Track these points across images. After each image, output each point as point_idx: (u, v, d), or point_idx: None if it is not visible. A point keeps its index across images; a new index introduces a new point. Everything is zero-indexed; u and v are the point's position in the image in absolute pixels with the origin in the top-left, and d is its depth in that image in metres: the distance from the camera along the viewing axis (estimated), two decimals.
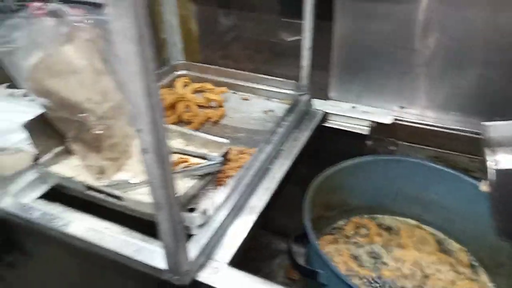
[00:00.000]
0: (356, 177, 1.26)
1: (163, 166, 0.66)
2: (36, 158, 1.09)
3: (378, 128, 1.36)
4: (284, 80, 1.44)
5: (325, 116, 1.38)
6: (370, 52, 1.34)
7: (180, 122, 1.34)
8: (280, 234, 1.76)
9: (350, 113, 1.37)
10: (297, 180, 1.21)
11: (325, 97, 1.44)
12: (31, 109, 1.33)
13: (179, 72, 1.56)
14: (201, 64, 1.56)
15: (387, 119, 1.35)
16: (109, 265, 0.94)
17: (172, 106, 1.37)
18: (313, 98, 1.41)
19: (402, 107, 1.38)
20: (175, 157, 1.15)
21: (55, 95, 1.00)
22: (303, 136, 1.26)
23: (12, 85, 1.59)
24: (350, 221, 1.36)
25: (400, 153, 1.39)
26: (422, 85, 1.33)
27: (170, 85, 1.51)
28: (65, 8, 1.02)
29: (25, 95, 1.49)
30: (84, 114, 1.00)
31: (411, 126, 1.36)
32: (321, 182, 1.16)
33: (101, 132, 1.03)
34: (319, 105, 1.41)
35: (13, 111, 1.29)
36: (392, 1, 1.25)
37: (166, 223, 0.73)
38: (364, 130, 1.36)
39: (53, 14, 1.01)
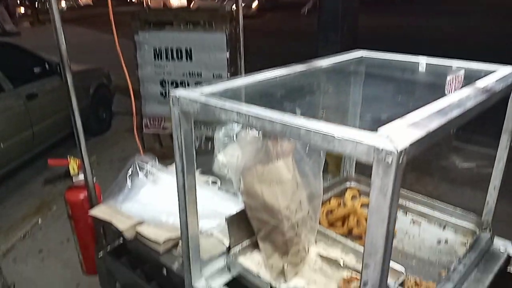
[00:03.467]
0: None
1: None
2: (228, 249, 1.24)
3: None
4: (462, 211, 1.39)
5: (510, 259, 1.27)
6: None
7: (349, 234, 1.39)
8: None
9: None
10: None
11: (509, 236, 1.33)
12: (224, 199, 1.56)
13: (350, 184, 1.65)
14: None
15: None
16: None
17: (343, 217, 1.44)
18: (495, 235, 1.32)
19: None
20: (347, 274, 1.19)
21: (260, 198, 1.16)
22: (485, 279, 1.18)
23: (202, 171, 1.89)
24: None
25: None
26: None
27: (339, 195, 1.60)
28: None
29: (214, 182, 1.75)
30: (280, 220, 1.13)
31: None
32: None
33: (292, 237, 1.13)
34: (502, 245, 1.31)
35: (209, 199, 1.52)
36: None
37: None
38: None
39: None
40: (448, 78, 0.97)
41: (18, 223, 3.68)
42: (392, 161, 0.61)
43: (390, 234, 0.66)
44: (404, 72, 1.03)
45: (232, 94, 0.94)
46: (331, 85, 1.19)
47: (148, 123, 4.30)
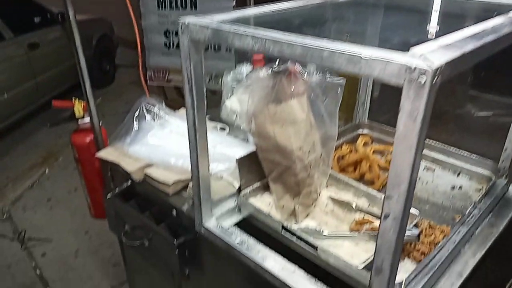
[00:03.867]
0: None
1: (399, 235, 0.68)
2: (238, 189, 1.22)
3: None
4: (479, 157, 1.35)
5: None
6: None
7: (361, 179, 1.37)
8: None
9: None
10: (486, 273, 1.11)
11: None
12: (232, 144, 1.52)
13: (362, 131, 1.61)
14: (384, 125, 1.58)
15: None
16: None
17: (355, 163, 1.41)
18: None
19: None
20: (359, 216, 1.17)
21: (272, 139, 1.12)
22: (500, 224, 1.16)
23: (211, 118, 1.85)
24: None
25: None
26: None
27: (351, 142, 1.56)
28: (292, 66, 1.15)
29: (222, 128, 1.71)
30: (293, 160, 1.10)
31: None
32: None
33: (304, 178, 1.11)
34: None
35: (218, 143, 1.48)
36: None
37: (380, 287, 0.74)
38: None
39: (282, 69, 1.15)
40: (479, 7, 0.89)
41: (25, 173, 3.71)
42: (425, 81, 0.56)
43: (416, 165, 0.62)
44: (430, 3, 0.95)
45: (245, 22, 0.87)
46: (353, 15, 1.11)
47: (153, 76, 4.21)
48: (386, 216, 0.68)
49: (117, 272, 2.57)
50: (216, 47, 3.75)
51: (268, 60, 1.17)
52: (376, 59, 0.59)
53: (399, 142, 0.61)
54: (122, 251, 1.83)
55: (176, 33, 3.95)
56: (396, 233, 0.68)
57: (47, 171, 3.74)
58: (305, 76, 1.12)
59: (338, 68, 0.65)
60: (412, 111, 0.59)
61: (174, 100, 4.12)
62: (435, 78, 0.56)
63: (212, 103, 2.05)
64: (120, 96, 5.11)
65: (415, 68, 0.56)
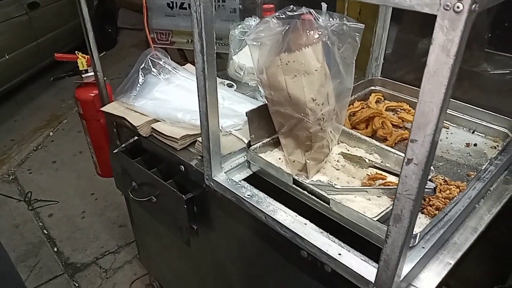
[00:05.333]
0: None
1: (423, 181, 0.65)
2: (248, 144, 1.19)
3: None
4: (495, 114, 1.31)
5: None
6: None
7: (373, 136, 1.33)
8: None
9: None
10: (500, 229, 1.09)
11: None
12: (240, 99, 1.48)
13: (375, 88, 1.56)
14: (397, 82, 1.53)
15: None
16: (297, 258, 0.97)
17: (367, 120, 1.37)
18: None
19: None
20: (372, 172, 1.14)
21: (283, 91, 1.07)
22: None
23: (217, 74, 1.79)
24: None
25: None
26: None
27: (364, 99, 1.51)
28: (307, 12, 1.09)
29: (229, 85, 1.66)
30: (306, 113, 1.05)
31: None
32: None
33: (317, 131, 1.07)
34: None
35: (226, 99, 1.44)
36: None
37: (398, 237, 0.72)
38: None
39: (297, 16, 1.08)
40: None
41: (30, 135, 3.70)
42: (463, 8, 0.51)
43: (445, 105, 0.58)
44: None
45: None
46: None
47: (156, 38, 4.10)
48: (409, 161, 0.64)
49: (124, 233, 2.59)
50: (220, 5, 3.62)
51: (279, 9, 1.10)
52: None
53: (428, 78, 0.57)
54: (129, 210, 1.83)
55: None
56: (418, 180, 0.64)
57: (51, 133, 3.72)
58: (320, 21, 1.06)
59: None
60: (445, 43, 0.54)
61: (178, 63, 4.04)
62: (474, 5, 0.51)
63: (220, 66, 2.00)
64: (124, 59, 5.01)
65: None
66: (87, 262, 2.44)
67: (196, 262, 1.50)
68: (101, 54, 1.42)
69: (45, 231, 2.67)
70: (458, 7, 0.51)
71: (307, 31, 1.06)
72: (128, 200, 1.75)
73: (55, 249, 2.53)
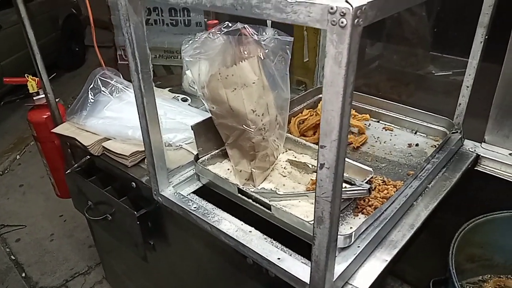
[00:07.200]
0: (510, 231, 1.14)
1: (336, 183, 0.69)
2: (196, 157, 1.22)
3: None
4: (435, 115, 1.37)
5: (478, 159, 1.28)
6: None
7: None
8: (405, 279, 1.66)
9: (509, 160, 1.25)
10: (439, 224, 1.15)
11: (479, 140, 1.33)
12: (193, 113, 1.51)
13: None
14: None
15: None
16: (244, 265, 1.00)
17: (315, 127, 1.41)
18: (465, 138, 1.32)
19: None
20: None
21: (225, 104, 1.11)
22: (453, 177, 1.19)
23: (173, 89, 1.82)
24: (491, 279, 1.22)
25: None
26: None
27: (313, 107, 1.56)
28: (242, 27, 1.13)
29: (184, 100, 1.68)
30: (247, 124, 1.09)
31: None
32: (470, 230, 1.07)
33: (259, 141, 1.10)
34: (471, 146, 1.31)
35: (178, 113, 1.46)
36: None
37: (322, 238, 0.75)
38: None
39: (233, 32, 1.12)
40: None
41: None
42: (347, 23, 0.55)
43: (346, 111, 0.62)
44: None
45: None
46: None
47: (123, 54, 4.10)
48: (322, 166, 0.68)
49: (93, 253, 2.55)
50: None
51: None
52: (301, 2, 0.58)
53: (327, 89, 0.61)
54: (91, 230, 1.83)
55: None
56: (332, 182, 0.68)
57: (18, 157, 3.65)
58: (254, 36, 1.11)
59: (267, 17, 0.64)
60: (336, 55, 0.58)
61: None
62: (357, 20, 0.55)
63: (176, 81, 2.02)
64: None
65: (336, 8, 0.55)
66: (57, 285, 2.39)
67: (155, 277, 1.51)
68: (51, 76, 1.42)
69: (12, 256, 2.61)
70: (342, 22, 0.55)
71: (243, 46, 1.10)
72: (89, 221, 1.74)
73: (23, 275, 2.47)
